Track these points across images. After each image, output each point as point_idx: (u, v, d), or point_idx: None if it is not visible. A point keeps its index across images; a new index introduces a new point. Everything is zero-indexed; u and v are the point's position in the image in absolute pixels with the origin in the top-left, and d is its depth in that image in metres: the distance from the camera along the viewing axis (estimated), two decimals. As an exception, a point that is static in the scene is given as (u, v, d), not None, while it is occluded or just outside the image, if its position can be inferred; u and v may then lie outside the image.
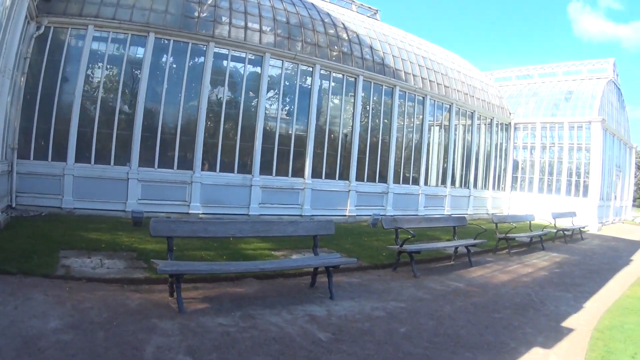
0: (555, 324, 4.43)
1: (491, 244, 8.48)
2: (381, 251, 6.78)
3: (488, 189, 16.67)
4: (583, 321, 4.60)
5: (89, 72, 7.77)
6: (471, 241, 7.27)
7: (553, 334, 4.09)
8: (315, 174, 10.28)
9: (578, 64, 20.08)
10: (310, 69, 10.25)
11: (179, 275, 3.69)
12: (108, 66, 8.00)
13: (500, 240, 8.42)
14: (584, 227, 13.33)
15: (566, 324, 4.48)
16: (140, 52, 7.99)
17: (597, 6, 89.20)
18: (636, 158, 27.96)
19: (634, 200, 28.82)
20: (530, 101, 18.62)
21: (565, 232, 11.69)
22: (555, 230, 11.27)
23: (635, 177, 28.36)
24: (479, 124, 16.09)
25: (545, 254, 9.19)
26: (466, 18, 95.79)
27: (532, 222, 10.58)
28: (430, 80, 13.27)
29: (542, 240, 9.95)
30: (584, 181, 16.30)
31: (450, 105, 14.15)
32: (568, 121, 16.83)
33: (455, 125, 14.80)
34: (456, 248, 7.21)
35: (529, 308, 4.94)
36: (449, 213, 13.76)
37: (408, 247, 5.96)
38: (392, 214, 11.56)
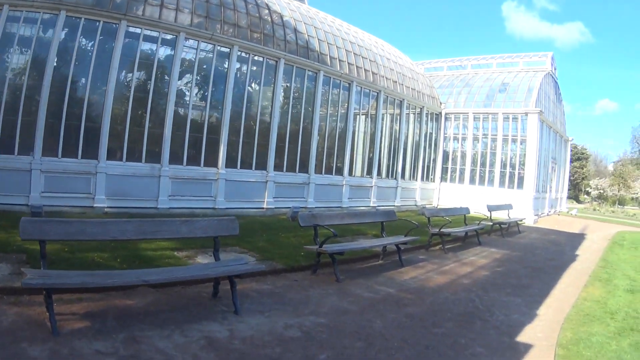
0: (509, 340, 4.67)
1: (423, 239, 9.73)
2: (299, 250, 7.44)
3: (417, 179, 20.73)
4: (541, 333, 4.88)
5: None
6: (402, 238, 8.20)
7: (509, 353, 4.32)
8: (230, 163, 12.43)
9: (514, 56, 25.07)
10: (228, 50, 12.33)
11: (48, 289, 3.81)
12: (19, 48, 9.32)
13: (434, 235, 9.80)
14: (521, 220, 16.54)
15: (522, 337, 4.73)
16: (50, 32, 9.43)
17: (533, 6, 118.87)
18: (571, 151, 34.38)
19: (569, 193, 35.73)
20: (463, 92, 22.99)
21: (502, 225, 14.15)
22: (491, 224, 13.66)
23: (569, 169, 34.94)
24: (408, 113, 19.84)
25: (483, 250, 10.82)
26: (399, 10, 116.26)
27: (466, 215, 12.51)
28: (357, 67, 16.31)
29: (478, 235, 11.83)
30: (519, 173, 20.70)
31: (378, 93, 17.49)
32: (503, 112, 21.19)
33: (383, 114, 18.18)
34: (385, 246, 8.07)
35: (475, 318, 5.21)
36: (375, 205, 17.20)
37: (329, 247, 6.40)
38: (313, 206, 14.36)
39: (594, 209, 37.68)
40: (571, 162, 38.98)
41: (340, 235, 7.59)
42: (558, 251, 12.03)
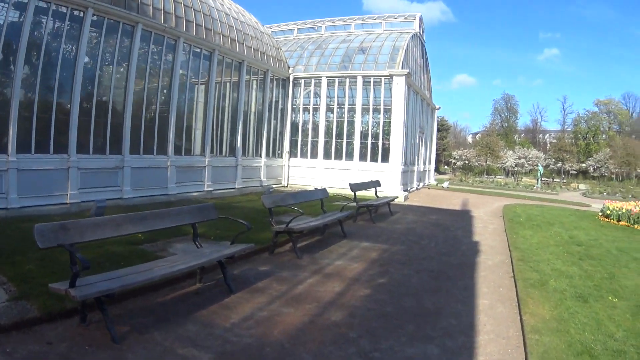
0: None
1: (265, 237, 9.73)
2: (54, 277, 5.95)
3: (261, 156, 22.76)
4: None
5: None
6: (226, 250, 7.12)
7: None
8: (23, 147, 12.16)
9: (376, 17, 28.31)
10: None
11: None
12: None
13: (280, 234, 9.37)
14: (392, 199, 17.88)
15: None
16: None
17: None
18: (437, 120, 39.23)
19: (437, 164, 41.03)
20: (315, 54, 25.52)
21: (370, 207, 14.92)
22: (357, 206, 14.37)
23: (436, 139, 39.99)
24: (250, 79, 21.45)
25: (351, 245, 10.82)
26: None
27: (324, 198, 12.46)
28: (187, 20, 17.29)
29: (342, 224, 12.04)
30: (384, 144, 23.39)
31: (211, 53, 18.68)
32: (363, 75, 23.66)
33: (219, 78, 19.48)
34: (198, 267, 6.77)
35: None
36: (211, 188, 18.61)
37: (81, 291, 4.87)
38: (130, 195, 15.08)
39: (461, 180, 44.13)
40: (438, 131, 45.12)
41: (146, 241, 7.80)
42: (450, 239, 12.53)
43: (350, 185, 14.80)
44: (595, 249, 11.00)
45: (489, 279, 8.42)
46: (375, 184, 17.21)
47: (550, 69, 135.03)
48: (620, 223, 16.20)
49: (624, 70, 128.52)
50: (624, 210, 16.57)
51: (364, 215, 15.07)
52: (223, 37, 19.07)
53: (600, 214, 17.91)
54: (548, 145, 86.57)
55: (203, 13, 18.07)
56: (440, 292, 7.43)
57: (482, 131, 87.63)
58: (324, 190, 12.87)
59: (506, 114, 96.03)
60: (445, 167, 77.13)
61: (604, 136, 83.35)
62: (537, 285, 7.53)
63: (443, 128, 71.37)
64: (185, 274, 6.99)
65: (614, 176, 63.93)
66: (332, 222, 11.70)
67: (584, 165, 68.39)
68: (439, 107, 36.62)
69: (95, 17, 13.69)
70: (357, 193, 14.89)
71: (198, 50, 17.89)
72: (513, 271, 8.72)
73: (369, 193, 17.08)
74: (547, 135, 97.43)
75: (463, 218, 17.08)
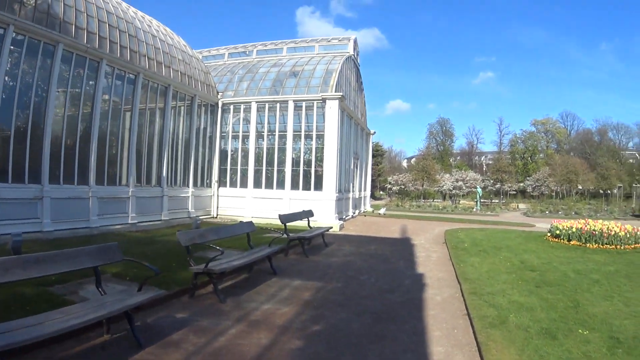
0: None
1: (187, 277, 9.34)
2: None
3: (188, 186, 23.10)
4: None
5: None
6: (131, 300, 6.49)
7: None
8: None
9: (309, 40, 29.15)
10: None
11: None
12: None
13: (199, 275, 8.85)
14: (327, 229, 17.76)
15: None
16: None
17: (329, 13, 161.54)
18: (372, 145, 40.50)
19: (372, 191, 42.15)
20: (245, 78, 26.23)
21: (302, 240, 14.71)
22: (288, 239, 14.24)
23: (372, 165, 41.25)
24: (177, 104, 21.92)
25: (281, 285, 10.26)
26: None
27: (251, 232, 12.01)
28: (110, 41, 17.63)
29: (271, 260, 11.63)
30: (317, 171, 23.95)
31: (136, 76, 18.95)
32: (294, 99, 24.35)
33: (143, 104, 19.70)
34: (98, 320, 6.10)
35: None
36: (135, 221, 18.75)
37: None
38: (51, 228, 15.09)
39: (397, 205, 45.40)
40: (373, 157, 46.61)
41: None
42: (392, 272, 12.21)
43: (280, 217, 14.67)
44: (551, 274, 11.16)
45: (440, 319, 7.95)
46: (308, 214, 17.23)
47: (486, 91, 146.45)
48: (572, 243, 16.74)
49: (560, 90, 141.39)
50: (574, 229, 17.06)
51: (296, 248, 14.94)
52: (149, 59, 19.49)
53: (548, 234, 18.38)
54: (484, 167, 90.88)
55: (129, 34, 18.49)
56: (386, 340, 6.85)
57: (418, 155, 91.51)
58: (250, 224, 12.27)
59: (441, 138, 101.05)
60: (381, 192, 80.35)
61: (541, 155, 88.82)
62: (496, 324, 7.12)
63: (378, 153, 74.99)
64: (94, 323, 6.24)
65: (554, 194, 67.59)
66: (261, 259, 11.17)
67: (522, 185, 72.52)
68: (374, 132, 37.73)
69: (15, 35, 13.87)
70: (290, 224, 14.97)
71: (122, 73, 18.18)
72: (467, 308, 8.29)
73: (303, 223, 17.16)
74: (484, 157, 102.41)
75: (403, 247, 16.99)
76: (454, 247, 15.92)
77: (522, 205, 52.95)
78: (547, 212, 40.33)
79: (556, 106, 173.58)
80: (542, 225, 26.48)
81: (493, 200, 62.29)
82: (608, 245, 16.13)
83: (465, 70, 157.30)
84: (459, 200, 58.68)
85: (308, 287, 10.20)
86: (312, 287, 10.14)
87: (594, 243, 16.35)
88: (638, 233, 16.76)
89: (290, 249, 14.75)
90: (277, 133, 24.52)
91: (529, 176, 73.79)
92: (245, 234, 11.98)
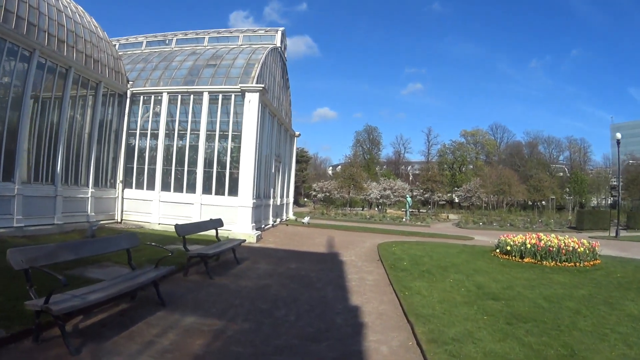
0: None
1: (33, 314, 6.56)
2: None
3: (88, 185, 21.05)
4: None
5: None
6: None
7: None
8: None
9: (233, 30, 28.18)
10: None
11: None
12: None
13: (41, 313, 6.35)
14: (239, 242, 15.24)
15: None
16: None
17: (262, 19, 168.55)
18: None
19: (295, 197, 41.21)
20: (159, 67, 24.65)
21: (205, 257, 12.05)
22: (188, 256, 11.88)
23: (296, 170, 40.38)
24: (78, 92, 19.98)
25: (167, 325, 7.83)
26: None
27: (133, 246, 9.62)
28: (6, 9, 15.73)
29: (157, 286, 9.05)
30: (232, 173, 22.17)
31: (31, 53, 16.92)
32: (210, 91, 22.67)
33: (38, 91, 17.70)
34: None
35: None
36: (22, 224, 16.66)
37: None
38: None
39: (322, 213, 44.71)
40: (297, 161, 45.80)
41: None
42: (319, 304, 9.85)
43: (177, 228, 12.27)
44: (519, 303, 9.76)
45: None
46: (216, 223, 15.22)
47: (415, 102, 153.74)
48: (525, 260, 15.78)
49: (491, 103, 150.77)
50: (528, 246, 16.13)
51: (196, 265, 12.56)
52: (49, 36, 17.58)
53: (497, 250, 17.47)
54: (411, 176, 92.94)
55: (29, 4, 16.58)
56: None
57: (344, 163, 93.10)
58: (131, 237, 9.81)
59: (368, 146, 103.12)
60: (305, 199, 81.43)
61: (470, 166, 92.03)
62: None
63: (303, 159, 76.09)
64: None
65: (485, 205, 69.34)
66: (140, 286, 8.48)
67: (452, 195, 74.62)
68: (299, 134, 36.71)
69: None
70: (202, 234, 14.08)
71: (15, 47, 16.07)
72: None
73: (211, 233, 15.11)
74: (410, 166, 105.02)
75: (331, 265, 15.08)
76: (391, 266, 14.31)
77: (452, 216, 53.93)
78: (480, 223, 41.14)
79: (486, 119, 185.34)
80: (481, 237, 26.55)
81: (421, 210, 62.93)
82: (566, 263, 15.42)
83: (395, 80, 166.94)
84: (386, 210, 58.71)
85: (204, 329, 7.66)
86: (208, 330, 7.62)
87: (550, 260, 15.56)
88: (596, 249, 16.30)
89: (192, 267, 12.41)
90: (189, 128, 22.76)
91: (457, 187, 75.90)
92: (125, 250, 9.36)
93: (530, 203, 78.75)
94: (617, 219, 34.81)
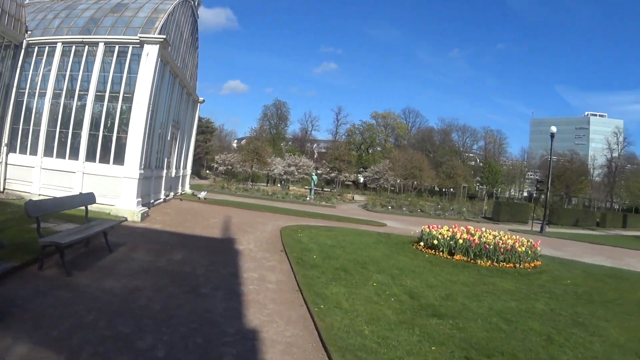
0: None
1: None
2: None
3: None
4: None
5: None
6: None
7: None
8: None
9: None
10: None
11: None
12: None
13: None
14: (115, 223, 13.29)
15: None
16: None
17: None
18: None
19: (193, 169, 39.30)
20: (61, 15, 21.50)
21: (60, 246, 9.30)
22: (41, 244, 9.25)
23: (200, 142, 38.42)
24: None
25: None
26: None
27: None
28: None
29: None
30: (119, 138, 19.29)
31: None
32: (107, 41, 19.89)
33: None
34: None
35: None
36: None
37: None
38: None
39: (222, 187, 43.02)
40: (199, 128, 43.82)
41: None
42: (201, 325, 7.37)
43: (28, 206, 9.50)
44: (471, 324, 8.25)
45: None
46: (86, 199, 12.47)
47: (328, 81, 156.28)
48: (456, 258, 14.74)
49: (407, 88, 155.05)
50: (460, 241, 15.03)
51: (52, 256, 9.80)
52: None
53: (421, 243, 16.25)
54: (316, 154, 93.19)
55: None
56: None
57: (249, 136, 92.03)
58: None
59: (276, 121, 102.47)
60: (208, 172, 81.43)
61: (379, 148, 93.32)
62: None
63: (208, 130, 75.68)
64: None
65: (392, 188, 70.01)
66: None
67: (358, 176, 75.30)
68: (203, 100, 34.86)
69: None
70: (78, 209, 11.87)
71: None
72: None
73: (101, 208, 13.57)
74: (316, 144, 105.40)
75: (225, 258, 12.56)
76: (298, 260, 12.34)
77: (358, 197, 53.86)
78: (389, 207, 40.83)
79: (400, 103, 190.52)
80: (394, 224, 26.16)
81: (325, 189, 62.48)
82: (504, 263, 14.46)
83: (310, 58, 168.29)
84: (289, 187, 57.58)
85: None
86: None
87: (485, 260, 14.50)
88: (537, 249, 15.52)
89: (47, 258, 9.55)
90: (78, 84, 19.73)
91: (363, 168, 76.43)
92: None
93: (437, 189, 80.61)
94: (544, 213, 35.90)
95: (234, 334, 7.12)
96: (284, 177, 61.80)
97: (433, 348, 6.89)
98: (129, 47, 19.46)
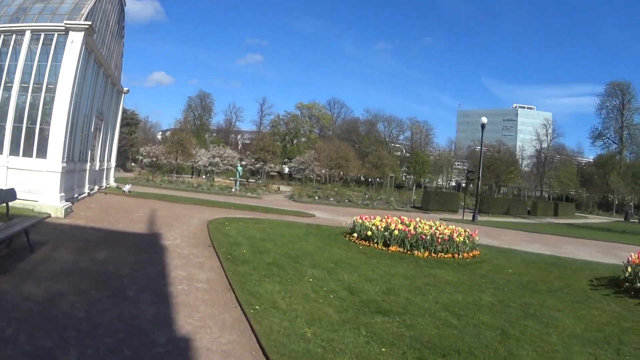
0: None
1: None
2: None
3: None
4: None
5: None
6: None
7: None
8: None
9: None
10: None
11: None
12: None
13: None
14: (36, 221, 11.84)
15: None
16: None
17: None
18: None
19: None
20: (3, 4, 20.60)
21: None
22: None
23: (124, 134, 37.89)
24: None
25: None
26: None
27: None
28: None
29: None
30: (42, 130, 18.47)
31: None
32: (34, 29, 19.03)
33: None
34: None
35: None
36: None
37: None
38: None
39: (147, 179, 42.65)
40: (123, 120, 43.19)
41: None
42: (128, 332, 6.57)
43: None
44: (418, 320, 7.92)
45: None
46: (5, 195, 11.61)
47: (252, 72, 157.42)
48: (391, 249, 14.57)
49: (331, 80, 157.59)
50: (395, 232, 14.79)
51: None
52: None
53: (355, 235, 15.97)
54: (240, 145, 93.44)
55: None
56: None
57: (173, 128, 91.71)
58: None
59: (200, 112, 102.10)
60: (133, 164, 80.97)
61: (303, 139, 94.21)
62: None
63: (133, 122, 75.02)
64: None
65: (319, 179, 70.83)
66: None
67: (283, 166, 75.98)
68: (128, 90, 33.98)
69: None
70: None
71: None
72: None
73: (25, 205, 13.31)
74: (240, 135, 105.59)
75: (151, 255, 11.81)
76: (228, 255, 11.76)
77: (283, 187, 54.22)
78: (316, 197, 41.43)
79: (325, 94, 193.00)
80: (322, 215, 26.37)
81: (250, 180, 62.60)
82: (442, 254, 14.49)
83: (234, 50, 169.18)
84: (214, 178, 57.40)
85: None
86: None
87: (422, 250, 14.50)
88: (476, 238, 15.79)
89: None
90: (4, 75, 18.76)
91: (288, 158, 77.08)
92: None
93: (364, 179, 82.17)
94: (475, 202, 37.06)
95: (165, 343, 6.33)
96: (209, 168, 61.52)
97: (383, 349, 6.50)
98: (54, 34, 18.79)
